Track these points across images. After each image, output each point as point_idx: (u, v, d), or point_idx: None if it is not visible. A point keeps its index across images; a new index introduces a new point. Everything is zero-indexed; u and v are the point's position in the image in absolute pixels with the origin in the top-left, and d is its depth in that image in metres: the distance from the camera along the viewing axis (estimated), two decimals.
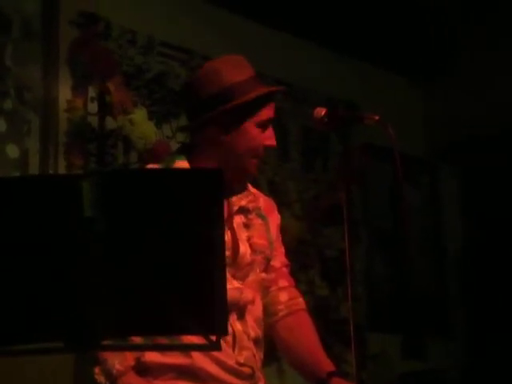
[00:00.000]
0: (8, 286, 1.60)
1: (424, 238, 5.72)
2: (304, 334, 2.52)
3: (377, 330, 5.11)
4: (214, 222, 1.63)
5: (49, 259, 1.61)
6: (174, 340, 2.13)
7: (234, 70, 2.36)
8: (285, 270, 2.58)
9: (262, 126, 2.37)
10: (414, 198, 5.66)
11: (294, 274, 2.66)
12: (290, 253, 2.65)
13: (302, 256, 4.63)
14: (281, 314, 2.53)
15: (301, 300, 2.58)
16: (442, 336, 5.60)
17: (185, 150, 2.46)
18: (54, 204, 1.62)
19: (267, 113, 2.38)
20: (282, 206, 2.75)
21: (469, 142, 5.62)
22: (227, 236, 2.37)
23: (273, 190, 4.47)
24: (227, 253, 2.35)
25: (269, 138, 2.39)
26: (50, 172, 3.78)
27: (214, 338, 1.65)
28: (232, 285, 2.33)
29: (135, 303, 1.62)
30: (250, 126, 2.35)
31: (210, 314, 1.63)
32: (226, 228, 2.37)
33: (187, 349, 2.22)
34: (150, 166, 2.47)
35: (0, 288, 1.60)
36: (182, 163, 2.39)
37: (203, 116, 2.34)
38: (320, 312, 4.45)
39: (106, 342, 1.74)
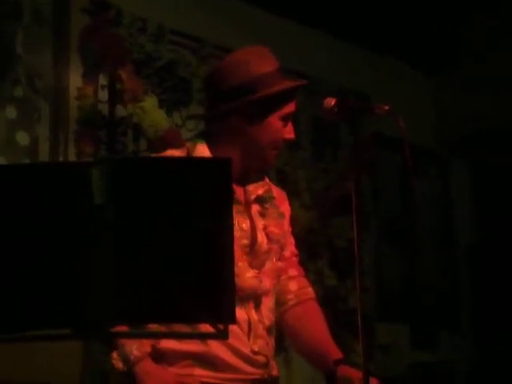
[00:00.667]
0: (18, 273, 1.61)
1: (434, 230, 5.71)
2: (312, 323, 2.52)
3: (386, 320, 5.11)
4: (223, 211, 1.63)
5: (58, 246, 1.61)
6: (190, 328, 2.13)
7: (260, 61, 2.36)
8: (295, 259, 2.59)
9: (285, 119, 2.39)
10: (423, 189, 5.65)
11: (302, 263, 2.66)
12: (298, 242, 2.65)
13: (311, 246, 4.62)
14: (290, 303, 2.54)
15: (310, 290, 2.59)
16: (451, 328, 5.60)
17: (205, 137, 2.46)
18: (64, 191, 1.62)
19: (291, 107, 2.40)
20: (292, 195, 2.75)
21: (479, 134, 5.60)
22: (246, 224, 2.38)
23: (282, 180, 4.46)
24: (246, 241, 2.37)
25: (289, 131, 2.42)
26: (60, 159, 3.79)
27: (221, 326, 1.66)
28: (250, 273, 2.34)
29: (143, 291, 1.62)
30: (274, 119, 2.37)
31: (217, 303, 1.63)
32: (246, 216, 2.39)
33: (194, 337, 2.22)
34: (170, 151, 2.46)
35: (10, 275, 1.61)
36: (203, 149, 2.39)
37: (228, 105, 2.35)
38: (328, 302, 4.44)
39: (114, 330, 1.74)
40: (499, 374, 5.17)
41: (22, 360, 3.41)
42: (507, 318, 5.40)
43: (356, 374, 2.28)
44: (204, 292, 1.63)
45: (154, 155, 2.44)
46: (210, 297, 1.63)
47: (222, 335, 1.65)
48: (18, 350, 3.25)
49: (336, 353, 2.44)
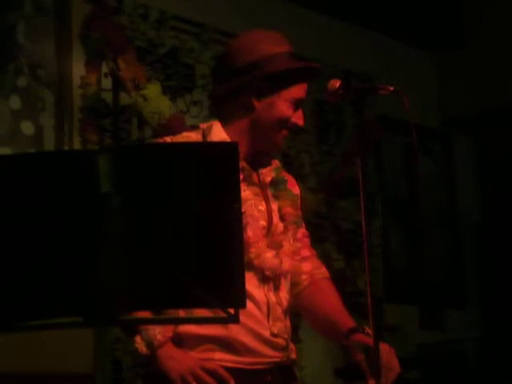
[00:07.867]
0: (27, 262, 1.61)
1: (439, 208, 5.71)
2: (326, 298, 2.52)
3: (394, 301, 5.11)
4: (231, 196, 1.63)
5: (66, 235, 1.61)
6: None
7: (273, 42, 2.39)
8: (306, 240, 2.59)
9: (294, 104, 2.40)
10: (428, 168, 5.65)
11: None
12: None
13: (318, 229, 4.62)
14: (304, 283, 2.53)
15: (324, 269, 2.59)
16: (458, 307, 5.60)
17: (218, 116, 2.47)
18: (71, 180, 1.62)
19: (299, 92, 2.40)
20: (297, 179, 2.76)
21: (483, 112, 5.59)
22: (262, 206, 2.40)
23: (287, 164, 4.46)
24: (263, 223, 2.37)
25: (298, 117, 2.42)
26: (65, 148, 3.79)
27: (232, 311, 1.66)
28: (270, 253, 2.35)
29: (153, 277, 1.63)
30: (281, 101, 2.38)
31: (227, 288, 1.63)
32: (261, 198, 2.41)
33: (205, 322, 2.22)
34: (185, 133, 2.47)
35: (20, 264, 1.61)
36: (219, 130, 2.40)
37: (237, 80, 2.36)
38: (336, 285, 4.44)
39: (124, 317, 1.75)
40: (507, 351, 5.18)
41: (33, 349, 3.43)
42: None
43: (371, 341, 2.26)
44: (214, 277, 1.63)
45: (168, 138, 2.42)
46: (220, 281, 1.63)
47: (233, 319, 1.65)
48: (28, 340, 3.27)
49: (351, 323, 2.43)
